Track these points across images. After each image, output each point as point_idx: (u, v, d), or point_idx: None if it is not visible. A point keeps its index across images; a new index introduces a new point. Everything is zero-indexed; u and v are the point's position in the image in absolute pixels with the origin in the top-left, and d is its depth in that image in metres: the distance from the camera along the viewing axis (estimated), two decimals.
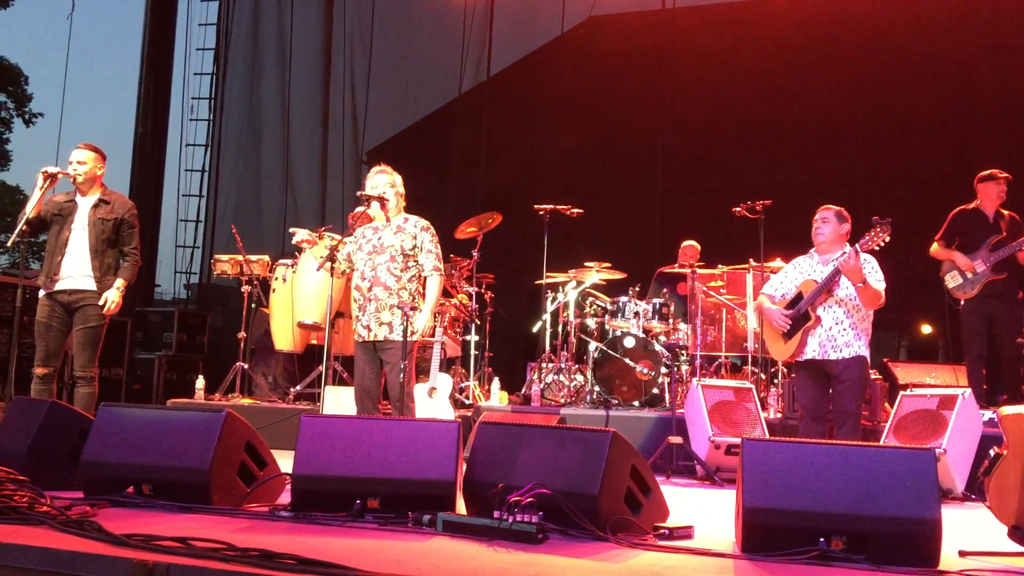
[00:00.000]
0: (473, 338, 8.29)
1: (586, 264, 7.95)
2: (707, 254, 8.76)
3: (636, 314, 7.59)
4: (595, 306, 8.00)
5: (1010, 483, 3.55)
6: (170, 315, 10.36)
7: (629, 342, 7.41)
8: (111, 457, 4.04)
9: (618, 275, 8.11)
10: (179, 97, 12.71)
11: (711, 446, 6.04)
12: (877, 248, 5.26)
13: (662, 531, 3.67)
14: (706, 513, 4.52)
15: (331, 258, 5.54)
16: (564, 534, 3.45)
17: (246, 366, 8.29)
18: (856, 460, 3.35)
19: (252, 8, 13.26)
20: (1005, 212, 6.96)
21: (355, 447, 3.86)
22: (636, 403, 7.25)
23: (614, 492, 3.60)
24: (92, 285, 5.83)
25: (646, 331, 7.58)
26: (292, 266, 8.06)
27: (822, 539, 3.23)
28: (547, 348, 8.09)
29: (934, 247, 7.06)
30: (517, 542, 3.32)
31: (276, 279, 8.20)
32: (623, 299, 7.70)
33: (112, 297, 5.83)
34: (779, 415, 6.85)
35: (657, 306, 7.64)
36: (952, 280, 6.97)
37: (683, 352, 7.82)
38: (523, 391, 8.16)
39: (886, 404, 6.73)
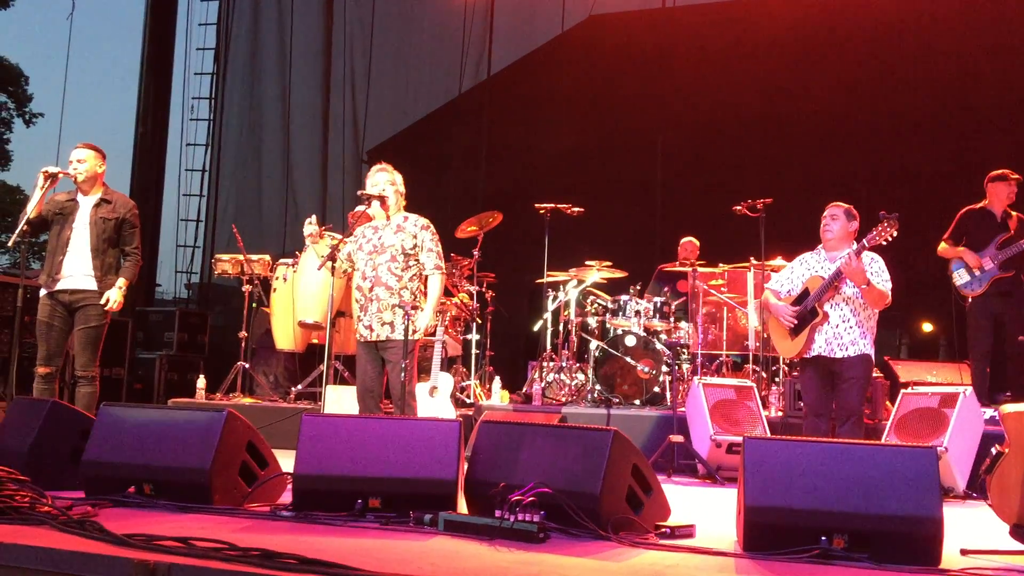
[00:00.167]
0: (474, 337, 8.29)
1: (587, 263, 7.95)
2: (708, 253, 8.75)
3: (637, 312, 7.59)
4: (596, 305, 8.00)
5: (1011, 481, 3.54)
6: (171, 315, 10.36)
7: (630, 341, 7.41)
8: (112, 457, 4.04)
9: (619, 274, 8.10)
10: (179, 97, 12.73)
11: (712, 445, 6.04)
12: (885, 243, 5.25)
13: (663, 530, 3.67)
14: (707, 512, 4.52)
15: (332, 257, 5.54)
16: (565, 533, 3.45)
17: (247, 365, 8.29)
18: (857, 458, 3.35)
19: (252, 8, 13.25)
20: (1013, 212, 6.97)
21: (356, 446, 3.86)
22: (637, 402, 7.25)
23: (615, 491, 3.60)
24: (93, 285, 5.83)
25: (647, 330, 7.58)
26: (293, 265, 8.07)
27: (824, 538, 3.23)
28: (548, 347, 8.09)
29: (942, 246, 7.08)
30: (519, 541, 3.32)
31: (277, 278, 8.21)
32: (624, 297, 7.70)
33: (113, 296, 5.83)
34: (780, 413, 6.85)
35: (658, 304, 7.64)
36: (959, 278, 6.98)
37: (684, 350, 7.82)
38: (524, 390, 8.15)
39: (887, 402, 6.73)
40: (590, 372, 7.43)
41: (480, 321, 8.38)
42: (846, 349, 5.45)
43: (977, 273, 6.86)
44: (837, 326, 5.47)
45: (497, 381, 7.94)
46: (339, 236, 5.86)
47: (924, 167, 10.14)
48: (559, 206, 8.02)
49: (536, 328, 8.32)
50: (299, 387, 8.12)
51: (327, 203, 12.48)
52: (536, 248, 8.07)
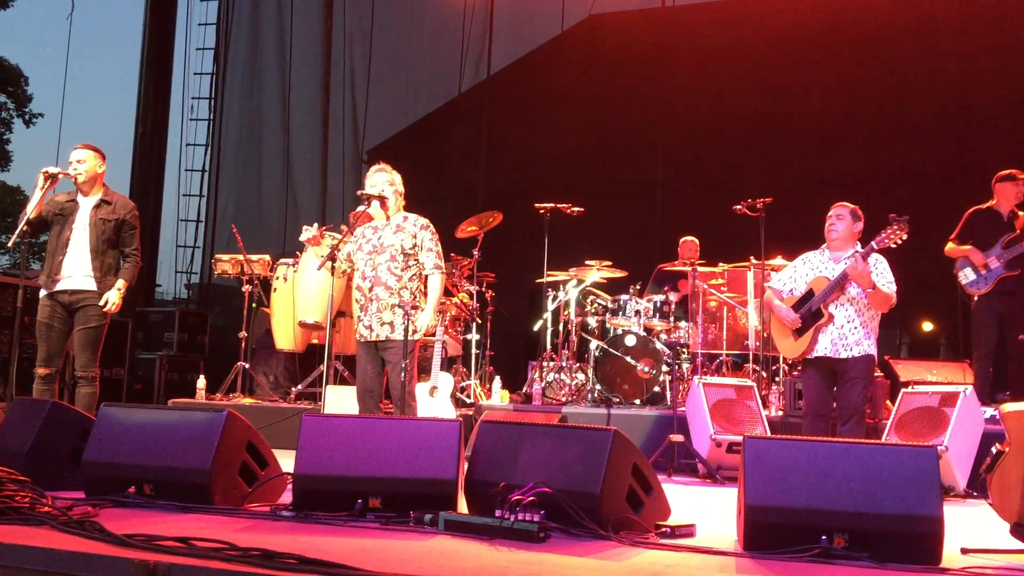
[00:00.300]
0: (474, 337, 8.29)
1: (587, 262, 7.95)
2: (708, 252, 8.75)
3: (637, 312, 7.59)
4: (596, 304, 8.00)
5: (1012, 480, 3.54)
6: (171, 315, 10.36)
7: (630, 340, 7.41)
8: (112, 457, 4.04)
9: (619, 273, 8.10)
10: (179, 97, 12.72)
11: (712, 444, 6.03)
12: (894, 246, 5.25)
13: (664, 529, 3.67)
14: (708, 511, 4.52)
15: (331, 258, 5.54)
16: (566, 533, 3.45)
17: (247, 366, 8.29)
18: (858, 458, 3.35)
19: (252, 8, 13.25)
20: (1020, 212, 6.97)
21: (356, 446, 3.86)
22: (637, 401, 7.25)
23: (616, 491, 3.60)
24: (93, 285, 5.83)
25: (647, 329, 7.58)
26: (293, 265, 8.07)
27: (824, 537, 3.23)
28: (548, 347, 8.09)
29: (949, 246, 7.08)
30: (519, 541, 3.32)
31: (277, 278, 8.21)
32: (624, 297, 7.70)
33: (112, 298, 5.83)
34: (780, 413, 6.85)
35: (658, 304, 7.64)
36: (965, 277, 6.98)
37: (684, 350, 7.82)
38: (524, 390, 8.16)
39: (888, 401, 6.73)
40: (590, 372, 7.43)
41: (480, 321, 8.38)
42: (851, 349, 5.46)
43: (983, 272, 6.87)
44: (842, 327, 5.47)
45: (497, 381, 7.94)
46: (339, 236, 5.87)
47: (924, 167, 10.14)
48: (559, 206, 8.01)
49: (536, 328, 8.32)
50: (299, 387, 8.12)
51: (327, 203, 12.48)
52: (536, 248, 8.07)
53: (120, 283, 5.89)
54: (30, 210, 5.71)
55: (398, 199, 5.59)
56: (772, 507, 3.33)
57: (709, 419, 6.13)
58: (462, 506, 3.84)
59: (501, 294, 8.86)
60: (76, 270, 5.83)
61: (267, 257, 8.58)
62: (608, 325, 7.77)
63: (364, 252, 5.53)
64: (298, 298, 7.90)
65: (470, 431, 5.83)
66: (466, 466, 3.93)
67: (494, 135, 12.14)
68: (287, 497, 4.08)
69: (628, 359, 7.35)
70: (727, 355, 8.21)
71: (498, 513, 3.42)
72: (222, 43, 13.12)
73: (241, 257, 8.43)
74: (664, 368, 7.27)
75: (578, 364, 7.90)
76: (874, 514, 3.23)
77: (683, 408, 6.54)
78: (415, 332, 5.34)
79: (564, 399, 7.62)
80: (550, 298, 8.09)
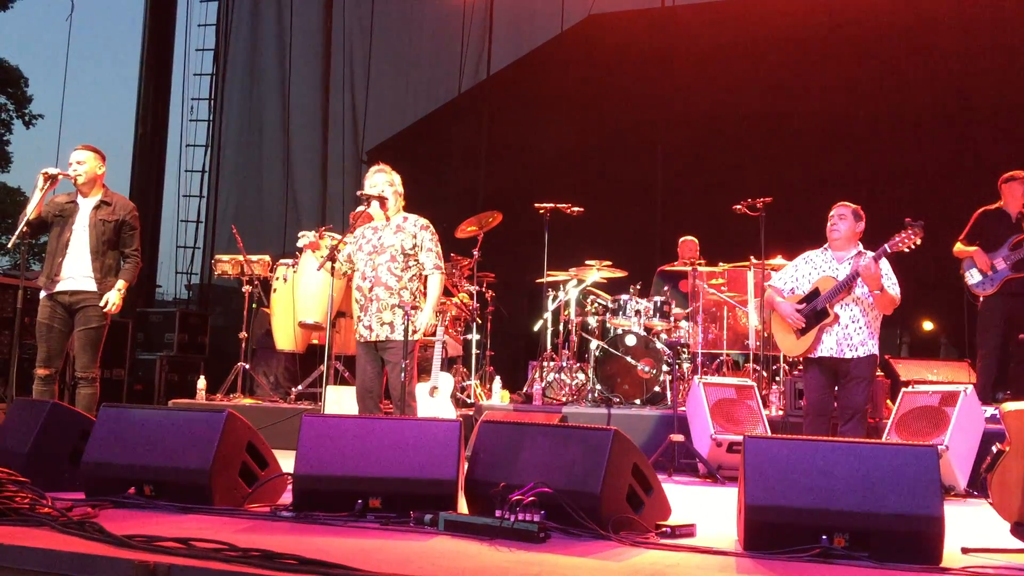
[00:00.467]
0: (474, 337, 8.28)
1: (587, 262, 7.95)
2: (708, 252, 8.75)
3: (637, 312, 7.59)
4: (596, 304, 7.99)
5: (1012, 479, 3.54)
6: (171, 316, 10.36)
7: (630, 340, 7.40)
8: (112, 458, 4.04)
9: (619, 273, 8.10)
10: (179, 98, 12.72)
11: (713, 444, 6.03)
12: (907, 250, 5.25)
13: (664, 529, 3.66)
14: (708, 511, 4.51)
15: (331, 258, 5.54)
16: (566, 533, 3.45)
17: (247, 366, 8.29)
18: (858, 457, 3.35)
19: (252, 9, 13.25)
20: None
21: (357, 447, 3.86)
22: (638, 401, 7.25)
23: (616, 490, 3.60)
24: (93, 286, 5.83)
25: (647, 329, 7.58)
26: (293, 266, 8.06)
27: (824, 536, 3.23)
28: (548, 347, 8.09)
29: (957, 246, 7.09)
30: (519, 541, 3.32)
31: (277, 279, 8.20)
32: (624, 297, 7.70)
33: (112, 299, 5.83)
34: (781, 412, 6.85)
35: (658, 304, 7.64)
36: (971, 277, 6.99)
37: (684, 350, 7.82)
38: (524, 390, 8.15)
39: (888, 401, 6.73)
40: (590, 372, 7.43)
41: (480, 321, 8.38)
42: (855, 349, 5.46)
43: (989, 274, 6.87)
44: (847, 327, 5.48)
45: (497, 381, 7.94)
46: (338, 236, 5.87)
47: (924, 167, 10.14)
48: (559, 206, 8.01)
49: (536, 328, 8.31)
50: (299, 388, 8.12)
51: (327, 203, 12.48)
52: (536, 248, 8.07)
53: (120, 284, 5.89)
54: (30, 211, 5.71)
55: (398, 199, 5.59)
56: (772, 507, 3.33)
57: (709, 419, 6.13)
58: (462, 506, 3.84)
59: (501, 294, 8.86)
60: (76, 271, 5.83)
61: (267, 258, 8.58)
62: (608, 325, 7.77)
63: (364, 252, 5.53)
64: (298, 299, 7.89)
65: (470, 431, 5.83)
66: (466, 466, 3.93)
67: (494, 135, 12.14)
68: (287, 497, 4.08)
69: (628, 359, 7.35)
70: (727, 355, 8.21)
71: (498, 513, 3.42)
72: (222, 44, 13.12)
73: (241, 258, 8.43)
74: (664, 368, 7.27)
75: (578, 364, 7.90)
76: (874, 514, 3.23)
77: (683, 408, 6.54)
78: (415, 332, 5.34)
79: (564, 399, 7.62)
80: (550, 298, 8.08)
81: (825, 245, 5.73)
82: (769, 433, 6.14)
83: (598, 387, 7.35)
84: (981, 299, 7.02)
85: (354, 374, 6.15)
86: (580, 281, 7.99)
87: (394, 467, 3.79)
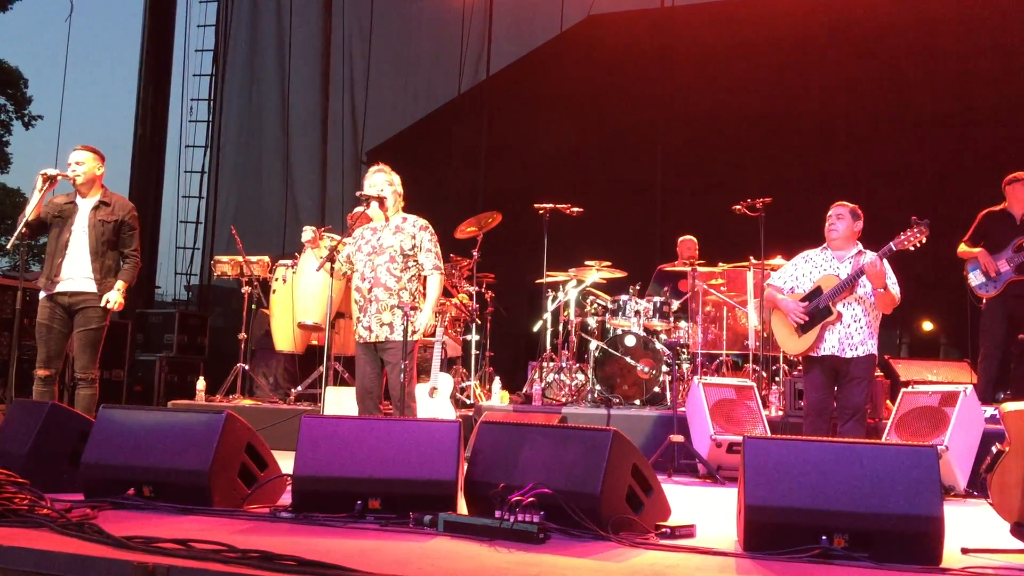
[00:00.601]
0: (474, 338, 8.28)
1: (586, 263, 7.94)
2: (707, 252, 8.75)
3: (637, 312, 7.58)
4: (596, 305, 7.99)
5: (1012, 480, 3.54)
6: (171, 316, 10.36)
7: (630, 341, 7.40)
8: (111, 459, 4.04)
9: (618, 273, 8.10)
10: (178, 98, 12.72)
11: (712, 444, 6.03)
12: (912, 249, 5.26)
13: (664, 530, 3.66)
14: (708, 512, 4.51)
15: (330, 259, 5.53)
16: (565, 534, 3.44)
17: (247, 367, 8.29)
18: (858, 458, 3.35)
19: (251, 9, 13.24)
20: None
21: (356, 448, 3.86)
22: (637, 402, 7.24)
23: (615, 491, 3.59)
24: (92, 287, 5.82)
25: (647, 329, 7.57)
26: (292, 267, 8.06)
27: (824, 537, 3.23)
28: (548, 347, 8.08)
29: (961, 247, 7.08)
30: (518, 542, 3.32)
31: (276, 280, 8.20)
32: (623, 297, 7.69)
33: (113, 298, 5.82)
34: (781, 413, 6.84)
35: (658, 304, 7.63)
36: (975, 279, 6.99)
37: (684, 350, 7.81)
38: (524, 390, 8.15)
39: (888, 401, 6.73)
40: (590, 372, 7.42)
41: (480, 322, 8.38)
42: (856, 349, 5.47)
43: (992, 275, 6.87)
44: (849, 325, 5.48)
45: (497, 381, 7.93)
46: (338, 237, 5.87)
47: (924, 167, 10.14)
48: (558, 206, 8.00)
49: (536, 328, 8.31)
50: (299, 388, 8.11)
51: (326, 204, 12.47)
52: (535, 248, 8.06)
53: (120, 284, 5.88)
54: (29, 212, 5.70)
55: (397, 200, 5.59)
56: (772, 507, 3.32)
57: (709, 419, 6.13)
58: (462, 507, 3.83)
59: (501, 295, 8.85)
60: (76, 272, 5.82)
61: (266, 258, 8.57)
62: (608, 325, 7.77)
63: (363, 253, 5.53)
64: (297, 299, 7.89)
65: (470, 432, 5.83)
66: (466, 467, 3.92)
67: (493, 136, 12.14)
68: (286, 498, 4.08)
69: (628, 359, 7.34)
70: (727, 355, 8.20)
71: (498, 514, 3.42)
72: (221, 45, 13.12)
73: (240, 258, 8.42)
74: (664, 368, 7.27)
75: (578, 364, 7.89)
76: (874, 514, 3.22)
77: (683, 408, 6.54)
78: (414, 333, 5.33)
79: (564, 400, 7.61)
80: (550, 298, 8.08)
81: (824, 245, 5.73)
82: (769, 433, 6.14)
83: (597, 388, 7.34)
84: (984, 300, 7.02)
85: (353, 375, 6.14)
86: (580, 281, 7.98)
87: (393, 468, 3.79)
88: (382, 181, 5.55)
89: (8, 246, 5.79)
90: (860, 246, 5.62)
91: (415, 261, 5.50)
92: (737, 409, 6.27)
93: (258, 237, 11.74)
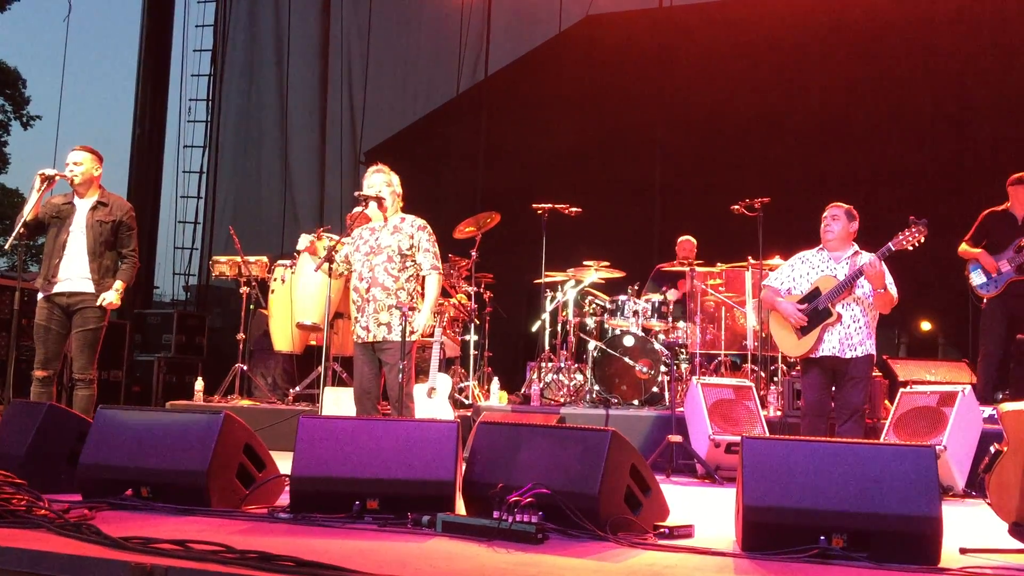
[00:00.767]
0: (472, 338, 8.28)
1: (585, 263, 7.94)
2: (706, 252, 8.75)
3: (635, 313, 7.58)
4: (594, 305, 7.99)
5: (1010, 480, 3.54)
6: (169, 317, 10.35)
7: (628, 341, 7.40)
8: (109, 460, 4.04)
9: (617, 274, 8.10)
10: (176, 99, 12.71)
11: (711, 444, 6.03)
12: (911, 248, 5.26)
13: (662, 530, 3.66)
14: (706, 512, 4.51)
15: (329, 259, 5.53)
16: (564, 534, 3.44)
17: (245, 367, 8.28)
18: (856, 458, 3.35)
19: (249, 9, 13.24)
20: None
21: (354, 448, 3.86)
22: (636, 402, 7.24)
23: (614, 491, 3.59)
24: (90, 287, 5.82)
25: (645, 330, 7.57)
26: (291, 267, 8.05)
27: (823, 537, 3.23)
28: (546, 347, 8.08)
29: (962, 247, 7.09)
30: (517, 542, 3.31)
31: (275, 280, 8.19)
32: (622, 298, 7.69)
33: (110, 298, 5.82)
34: (779, 413, 6.84)
35: (656, 304, 7.63)
36: (976, 278, 6.99)
37: (682, 350, 7.81)
38: (523, 391, 8.15)
39: (886, 401, 6.73)
40: (588, 372, 7.42)
41: (478, 322, 8.38)
42: (855, 349, 5.47)
43: (994, 275, 6.88)
44: (848, 326, 5.48)
45: (495, 382, 7.93)
46: (336, 237, 5.86)
47: (923, 167, 10.14)
48: (557, 206, 8.00)
49: (534, 329, 8.31)
50: (297, 389, 8.11)
51: (325, 204, 12.46)
52: (534, 248, 8.06)
53: (118, 284, 5.88)
54: (27, 212, 5.71)
55: (396, 200, 5.58)
56: (770, 507, 3.32)
57: (707, 419, 6.13)
58: (460, 507, 3.83)
59: (499, 295, 8.85)
60: (74, 272, 5.82)
61: (265, 259, 8.56)
62: (606, 326, 7.77)
63: (361, 253, 5.52)
64: (296, 300, 7.89)
65: (468, 432, 5.83)
66: (464, 467, 3.92)
67: (492, 136, 12.13)
68: (285, 499, 4.07)
69: (626, 360, 7.34)
70: (725, 355, 8.21)
71: (496, 514, 3.42)
72: (219, 45, 13.11)
73: (239, 259, 8.42)
74: (662, 368, 7.27)
75: (576, 365, 7.89)
76: (872, 514, 3.22)
77: (681, 408, 6.54)
78: (412, 333, 5.33)
79: (562, 400, 7.61)
80: (548, 299, 8.08)
81: (820, 246, 5.74)
82: (767, 434, 6.14)
83: (596, 388, 7.34)
84: (985, 300, 7.02)
85: (352, 375, 6.14)
86: (578, 282, 7.98)
87: (392, 468, 3.79)
88: (380, 181, 5.54)
89: (6, 246, 5.80)
90: (856, 247, 5.62)
91: (413, 261, 5.49)
92: (735, 409, 6.27)
93: (256, 237, 11.73)
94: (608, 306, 7.76)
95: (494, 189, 11.47)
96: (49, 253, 5.88)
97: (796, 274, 5.76)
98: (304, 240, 5.85)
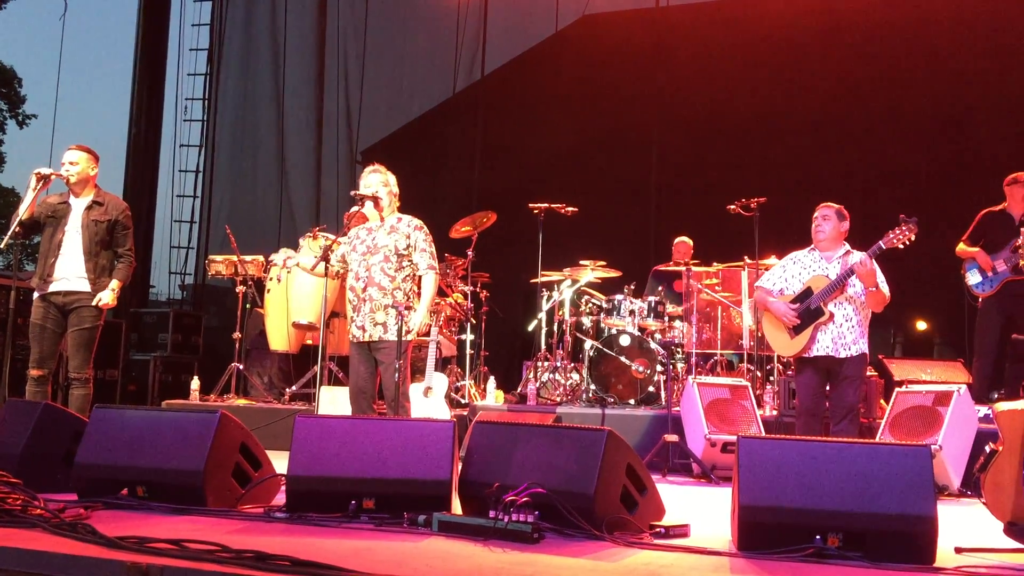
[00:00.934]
0: (469, 337, 8.28)
1: (581, 262, 7.95)
2: (702, 252, 8.76)
3: (631, 312, 7.58)
4: (590, 304, 7.99)
5: (1005, 479, 3.55)
6: (165, 316, 10.32)
7: (625, 340, 7.40)
8: (105, 459, 4.03)
9: (613, 273, 8.10)
10: (172, 98, 12.67)
11: (707, 444, 6.03)
12: (902, 247, 5.28)
13: (658, 529, 3.66)
14: (702, 511, 4.51)
15: (324, 259, 5.53)
16: (560, 533, 3.45)
17: (241, 367, 8.28)
18: (852, 457, 3.35)
19: (245, 8, 13.21)
20: None
21: (350, 447, 3.86)
22: (632, 401, 7.25)
23: (610, 491, 3.60)
24: (86, 287, 5.81)
25: (642, 329, 7.58)
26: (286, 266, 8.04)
27: (818, 536, 3.23)
28: (543, 347, 8.09)
29: (960, 246, 7.10)
30: (513, 542, 3.31)
31: (271, 279, 8.19)
32: (618, 297, 7.70)
33: (106, 297, 5.81)
34: (775, 412, 6.85)
35: (652, 304, 7.64)
36: (972, 278, 7.01)
37: (679, 350, 7.82)
38: (519, 390, 8.15)
39: (882, 401, 6.74)
40: (585, 372, 7.43)
41: (474, 321, 8.38)
42: (849, 349, 5.48)
43: (989, 275, 6.89)
44: (841, 325, 5.49)
45: (492, 381, 7.94)
46: (332, 236, 5.86)
47: (921, 167, 10.14)
48: (553, 206, 8.01)
49: (531, 328, 8.32)
50: (293, 388, 8.11)
51: (321, 203, 12.44)
52: (530, 248, 8.07)
53: (114, 283, 5.88)
54: (22, 211, 5.70)
55: (392, 200, 5.58)
56: (766, 507, 3.33)
57: (704, 419, 6.13)
58: (456, 507, 3.83)
59: (495, 294, 8.85)
60: (69, 272, 5.81)
61: (261, 258, 8.55)
62: (603, 325, 7.77)
63: (358, 253, 5.52)
64: (292, 299, 7.88)
65: (464, 432, 5.83)
66: (460, 467, 3.92)
67: (488, 135, 12.12)
68: (281, 498, 4.07)
69: (623, 359, 7.35)
70: (721, 355, 8.21)
71: (492, 514, 3.42)
72: (216, 44, 13.08)
73: (235, 258, 8.41)
74: (659, 368, 7.27)
75: (573, 364, 7.90)
76: (868, 513, 3.23)
77: (678, 408, 6.54)
78: (408, 332, 5.33)
79: (559, 399, 7.62)
80: (545, 298, 8.08)
81: (811, 246, 5.75)
82: (763, 433, 6.14)
83: (592, 387, 7.34)
84: (980, 300, 7.03)
85: (348, 374, 6.15)
86: (574, 281, 7.99)
87: (388, 468, 3.79)
88: (377, 181, 5.54)
89: (1, 245, 5.77)
90: (847, 246, 5.63)
91: (409, 261, 5.50)
92: (731, 409, 6.28)
93: (252, 236, 11.70)
94: (604, 305, 7.77)
95: (490, 189, 11.46)
96: (45, 252, 5.87)
97: (788, 274, 5.76)
98: (280, 255, 5.85)
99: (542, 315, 8.07)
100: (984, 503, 3.66)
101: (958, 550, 3.47)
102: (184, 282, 12.96)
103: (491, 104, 12.20)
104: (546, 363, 7.97)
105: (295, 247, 7.96)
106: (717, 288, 8.09)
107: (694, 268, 8.08)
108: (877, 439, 5.72)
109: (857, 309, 5.51)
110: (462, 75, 12.34)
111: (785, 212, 7.76)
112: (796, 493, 3.32)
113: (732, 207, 7.25)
